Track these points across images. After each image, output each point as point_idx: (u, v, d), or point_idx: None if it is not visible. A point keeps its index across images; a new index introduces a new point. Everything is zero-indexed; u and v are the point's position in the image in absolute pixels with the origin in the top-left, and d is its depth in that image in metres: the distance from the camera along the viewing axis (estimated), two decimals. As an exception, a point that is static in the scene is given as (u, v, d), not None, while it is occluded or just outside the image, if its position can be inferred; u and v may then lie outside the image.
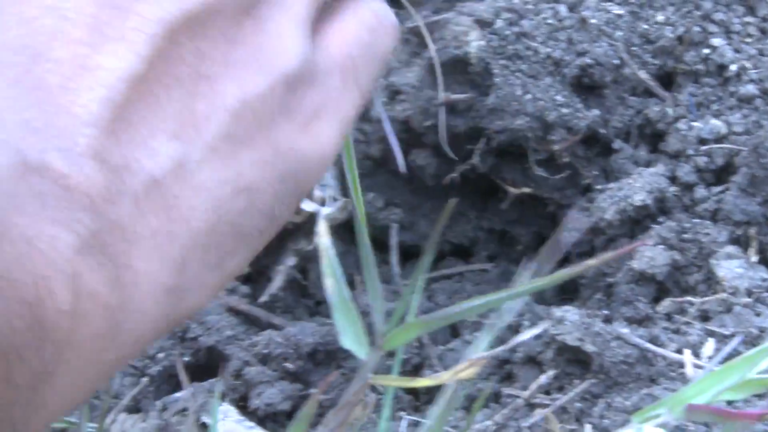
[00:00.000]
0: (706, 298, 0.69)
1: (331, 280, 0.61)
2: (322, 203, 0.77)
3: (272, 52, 0.39)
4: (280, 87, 0.39)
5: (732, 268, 0.69)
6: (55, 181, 0.33)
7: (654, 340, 0.68)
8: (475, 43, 0.79)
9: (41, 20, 0.36)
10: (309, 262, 0.79)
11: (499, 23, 0.80)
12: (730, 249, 0.71)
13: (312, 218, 0.76)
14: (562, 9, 0.82)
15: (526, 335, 0.62)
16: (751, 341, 0.67)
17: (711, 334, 0.68)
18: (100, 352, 0.33)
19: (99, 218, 0.33)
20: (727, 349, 0.67)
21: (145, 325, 0.35)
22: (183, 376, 0.73)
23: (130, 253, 0.34)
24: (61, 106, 0.35)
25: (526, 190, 0.83)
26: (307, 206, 0.75)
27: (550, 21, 0.81)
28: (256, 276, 0.80)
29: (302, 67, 0.39)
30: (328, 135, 0.40)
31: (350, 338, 0.57)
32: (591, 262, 0.53)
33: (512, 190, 0.83)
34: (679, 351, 0.67)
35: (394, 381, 0.62)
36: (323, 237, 0.65)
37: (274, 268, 0.79)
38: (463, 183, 0.84)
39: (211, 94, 0.38)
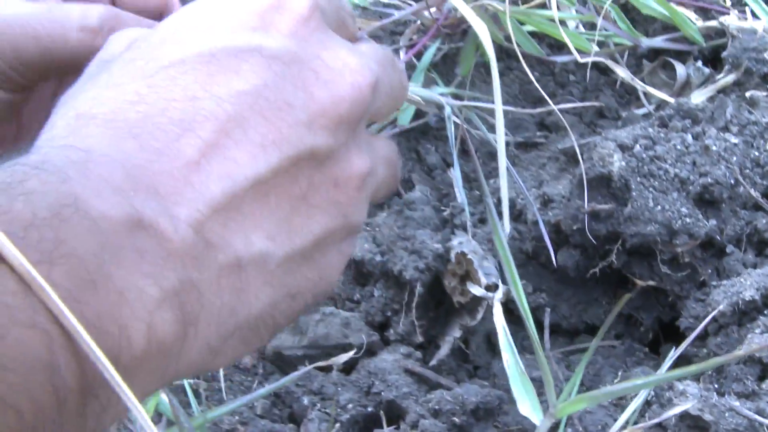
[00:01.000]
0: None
1: (509, 356, 0.68)
2: (487, 289, 0.78)
3: (355, 210, 0.43)
4: (344, 233, 0.43)
5: (830, 359, 0.70)
6: (158, 241, 0.35)
7: (760, 412, 0.68)
8: (617, 163, 0.80)
9: (203, 102, 0.38)
10: (470, 334, 0.82)
11: (637, 148, 0.82)
12: (825, 340, 0.71)
13: (474, 299, 0.78)
14: (689, 137, 0.83)
15: (672, 411, 0.64)
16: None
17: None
18: (146, 385, 0.35)
19: (183, 280, 0.35)
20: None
21: (183, 369, 0.37)
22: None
23: (198, 315, 0.35)
24: (189, 180, 0.37)
25: (651, 283, 0.83)
26: (475, 290, 0.78)
27: (678, 147, 0.83)
28: (427, 344, 0.83)
29: (360, 224, 0.44)
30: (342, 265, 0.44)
31: (527, 406, 0.64)
32: (740, 352, 0.59)
33: (640, 282, 0.84)
34: (782, 422, 0.69)
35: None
36: (499, 320, 0.72)
37: (443, 338, 0.82)
38: (600, 275, 0.85)
39: (306, 217, 0.41)
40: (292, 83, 0.40)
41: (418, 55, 0.97)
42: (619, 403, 0.76)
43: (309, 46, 0.41)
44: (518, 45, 0.87)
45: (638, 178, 0.81)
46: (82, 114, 0.38)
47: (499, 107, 0.69)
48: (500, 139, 0.75)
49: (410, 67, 0.95)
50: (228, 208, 0.37)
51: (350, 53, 0.43)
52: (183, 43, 0.40)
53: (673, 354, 0.74)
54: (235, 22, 0.40)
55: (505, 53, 0.97)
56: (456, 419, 0.72)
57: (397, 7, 0.97)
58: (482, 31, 0.67)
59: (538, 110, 0.96)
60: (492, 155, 0.92)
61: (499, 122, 0.74)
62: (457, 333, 0.81)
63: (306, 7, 0.41)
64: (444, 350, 0.81)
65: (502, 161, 0.73)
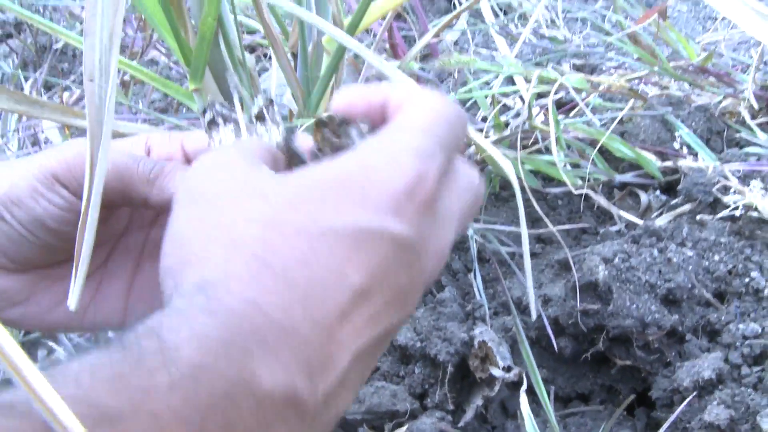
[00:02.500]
0: (755, 442, 0.72)
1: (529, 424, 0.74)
2: (504, 370, 0.82)
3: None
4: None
5: (771, 423, 0.72)
6: (301, 412, 0.34)
7: (720, 468, 0.72)
8: (602, 273, 0.84)
9: (347, 279, 0.36)
10: (489, 402, 0.85)
11: (616, 260, 0.86)
12: (769, 409, 0.73)
13: (492, 376, 0.81)
14: (655, 252, 0.87)
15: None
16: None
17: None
18: None
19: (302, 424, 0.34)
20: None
21: None
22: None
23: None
24: (331, 354, 0.35)
25: (628, 362, 0.86)
26: (494, 371, 0.81)
27: (648, 259, 0.86)
28: (456, 410, 0.85)
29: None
30: None
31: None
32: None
33: (619, 362, 0.87)
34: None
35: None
36: (525, 407, 0.77)
37: (469, 405, 0.85)
38: (588, 356, 0.88)
39: (387, 343, 0.40)
40: (405, 265, 0.38)
41: None
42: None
43: (422, 234, 0.39)
44: (522, 180, 0.91)
45: (618, 284, 0.84)
46: (257, 257, 0.36)
47: (524, 231, 0.70)
48: (526, 255, 0.75)
49: None
50: (347, 377, 0.36)
51: (447, 238, 0.41)
52: (326, 214, 0.37)
53: (647, 419, 0.78)
54: (373, 202, 0.37)
55: (509, 185, 0.97)
56: (482, 471, 0.75)
57: None
58: (509, 168, 0.71)
59: (540, 231, 1.00)
60: (501, 262, 0.97)
61: (525, 244, 0.74)
62: (479, 401, 0.84)
63: (431, 193, 0.39)
64: (469, 414, 0.84)
65: (528, 270, 0.74)
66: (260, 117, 0.50)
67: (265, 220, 0.37)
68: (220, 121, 0.50)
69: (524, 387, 0.74)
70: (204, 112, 0.51)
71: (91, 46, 0.43)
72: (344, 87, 0.47)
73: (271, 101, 0.49)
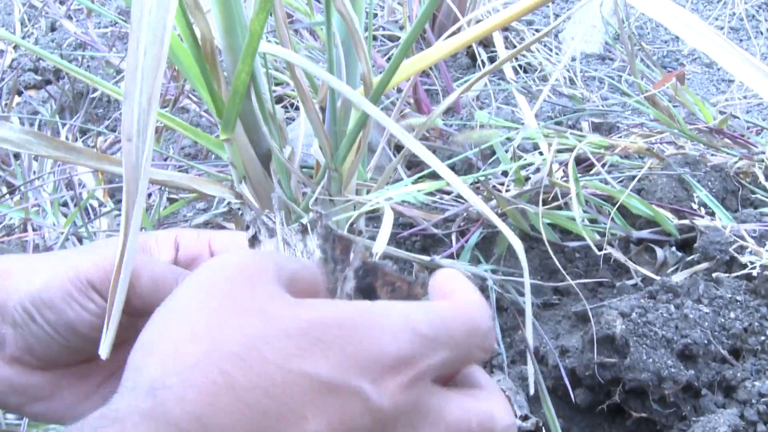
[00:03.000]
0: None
1: None
2: (521, 419, 0.82)
3: None
4: None
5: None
6: None
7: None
8: (619, 327, 0.84)
9: (307, 424, 0.35)
10: None
11: (633, 315, 0.86)
12: (783, 462, 0.76)
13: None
14: (672, 308, 0.87)
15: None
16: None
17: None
18: None
19: None
20: None
21: None
22: None
23: None
24: None
25: (644, 414, 0.86)
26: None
27: (665, 314, 0.86)
28: None
29: None
30: None
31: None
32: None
33: (635, 414, 0.87)
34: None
35: None
36: None
37: None
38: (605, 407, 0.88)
39: None
40: None
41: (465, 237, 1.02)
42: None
43: (397, 412, 0.37)
44: (541, 233, 0.93)
45: (635, 338, 0.84)
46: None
47: (527, 282, 0.71)
48: (528, 306, 0.75)
49: (460, 248, 0.99)
50: None
51: None
52: (312, 355, 0.36)
53: None
54: (359, 359, 0.36)
55: (528, 237, 1.02)
56: None
57: (452, 204, 1.01)
58: (514, 240, 0.70)
59: (559, 284, 1.00)
60: (520, 312, 0.97)
61: (527, 295, 0.75)
62: (497, 447, 0.86)
63: (420, 375, 0.37)
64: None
65: (529, 322, 0.74)
66: (306, 230, 0.48)
67: (252, 338, 0.35)
68: (262, 237, 0.49)
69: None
70: (248, 227, 0.49)
71: (130, 109, 0.45)
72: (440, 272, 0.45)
73: (321, 215, 0.47)
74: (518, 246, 0.70)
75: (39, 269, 0.49)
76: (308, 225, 0.48)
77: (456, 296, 0.42)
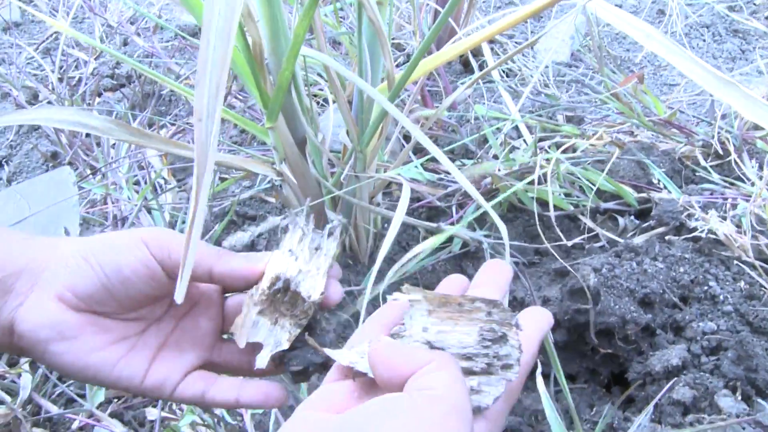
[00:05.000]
0: (713, 416, 0.72)
1: (546, 402, 0.69)
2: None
3: None
4: None
5: (727, 402, 0.73)
6: None
7: (684, 436, 0.69)
8: (592, 279, 0.82)
9: None
10: None
11: (603, 270, 0.84)
12: (725, 391, 0.74)
13: None
14: (634, 264, 0.85)
15: None
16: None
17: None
18: None
19: None
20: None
21: None
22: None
23: None
24: None
25: (610, 351, 0.85)
26: None
27: (628, 270, 0.84)
28: None
29: None
30: None
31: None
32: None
33: (602, 350, 0.85)
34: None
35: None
36: (540, 383, 0.70)
37: None
38: (577, 345, 0.87)
39: None
40: None
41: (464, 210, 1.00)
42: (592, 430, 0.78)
43: None
44: (525, 205, 0.93)
45: (604, 289, 0.83)
46: None
47: (506, 242, 0.68)
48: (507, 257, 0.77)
49: (459, 218, 0.97)
50: None
51: None
52: None
53: (624, 396, 0.75)
54: None
55: (515, 208, 1.00)
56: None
57: (452, 182, 0.99)
58: (498, 222, 0.69)
59: (540, 246, 0.97)
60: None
61: (507, 253, 0.73)
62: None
63: None
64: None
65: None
66: (332, 233, 0.50)
67: None
68: (290, 228, 0.50)
69: (539, 370, 0.70)
70: (286, 227, 0.51)
71: (201, 94, 0.43)
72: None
73: (346, 227, 0.48)
74: (498, 220, 0.68)
75: (108, 241, 0.50)
76: (329, 230, 0.50)
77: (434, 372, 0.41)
